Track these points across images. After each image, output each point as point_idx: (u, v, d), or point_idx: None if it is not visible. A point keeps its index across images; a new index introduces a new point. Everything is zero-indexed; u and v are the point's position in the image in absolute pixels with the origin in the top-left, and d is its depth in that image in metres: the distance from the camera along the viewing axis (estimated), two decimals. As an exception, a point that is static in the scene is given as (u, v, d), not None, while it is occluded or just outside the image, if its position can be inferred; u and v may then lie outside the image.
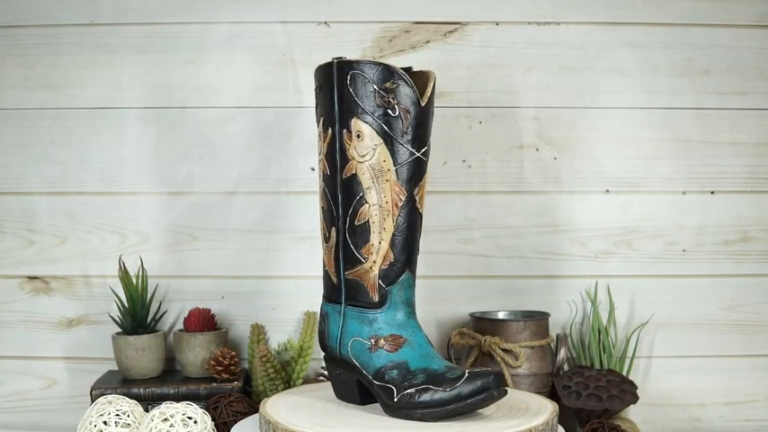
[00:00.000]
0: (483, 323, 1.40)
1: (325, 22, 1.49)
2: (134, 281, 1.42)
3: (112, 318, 1.43)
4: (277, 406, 1.14)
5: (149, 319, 1.43)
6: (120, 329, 1.43)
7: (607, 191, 1.51)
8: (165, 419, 1.08)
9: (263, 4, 1.49)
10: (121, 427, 1.11)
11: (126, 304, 1.42)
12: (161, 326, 1.49)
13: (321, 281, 1.49)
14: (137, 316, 1.42)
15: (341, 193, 1.11)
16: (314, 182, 1.49)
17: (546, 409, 1.10)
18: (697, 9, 1.49)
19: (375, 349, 1.10)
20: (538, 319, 1.39)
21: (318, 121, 1.14)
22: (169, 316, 1.50)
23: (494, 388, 1.03)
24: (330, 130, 1.11)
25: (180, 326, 1.48)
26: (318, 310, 1.47)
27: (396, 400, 1.06)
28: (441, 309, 1.49)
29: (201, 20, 1.49)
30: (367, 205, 1.09)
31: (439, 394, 1.04)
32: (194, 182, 1.50)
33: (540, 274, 1.51)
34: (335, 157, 1.11)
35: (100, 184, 1.50)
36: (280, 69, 1.50)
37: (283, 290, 1.50)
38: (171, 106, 1.50)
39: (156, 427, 1.07)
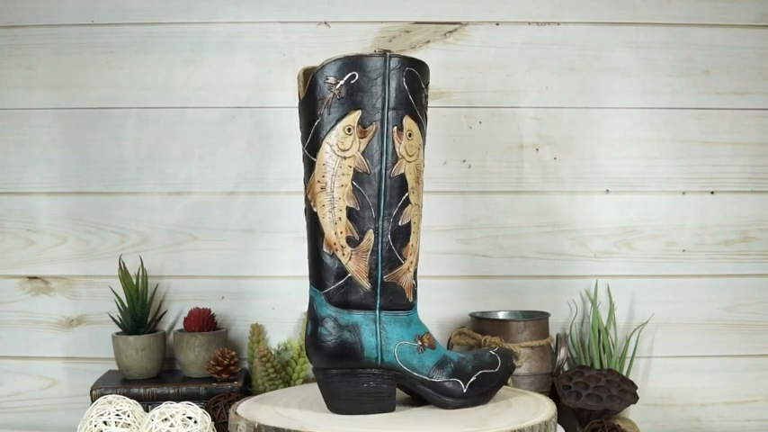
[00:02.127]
0: (483, 323, 1.40)
1: (325, 22, 1.49)
2: (134, 281, 1.42)
3: (112, 318, 1.43)
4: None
5: (149, 319, 1.43)
6: (120, 329, 1.43)
7: (607, 191, 1.51)
8: (165, 419, 1.08)
9: (263, 4, 1.49)
10: (121, 427, 1.11)
11: (126, 304, 1.42)
12: (161, 326, 1.49)
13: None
14: (137, 316, 1.42)
15: (385, 193, 1.07)
16: (314, 182, 1.49)
17: (545, 408, 1.10)
18: (697, 9, 1.49)
19: (423, 349, 1.10)
20: (538, 319, 1.39)
21: (345, 115, 1.05)
22: (169, 316, 1.50)
23: (511, 358, 1.17)
24: (373, 126, 1.05)
25: (180, 326, 1.48)
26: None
27: (466, 390, 1.10)
28: (441, 309, 1.49)
29: (201, 20, 1.49)
30: (410, 206, 1.08)
31: (493, 374, 1.13)
32: (194, 182, 1.50)
33: (540, 274, 1.51)
34: (378, 155, 1.06)
35: (100, 184, 1.50)
36: (280, 69, 1.50)
37: (283, 290, 1.50)
38: (171, 106, 1.50)
39: (156, 427, 1.07)
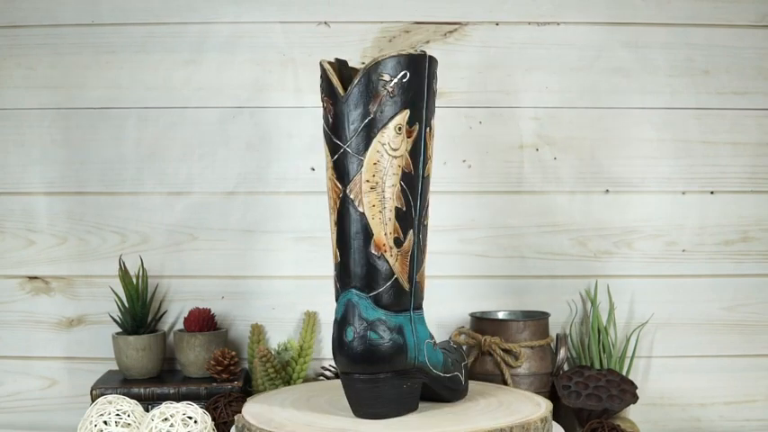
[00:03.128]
0: (483, 323, 1.40)
1: (325, 22, 1.49)
2: (134, 281, 1.42)
3: (112, 318, 1.43)
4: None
5: (149, 319, 1.43)
6: (120, 329, 1.43)
7: (607, 191, 1.51)
8: (165, 419, 1.08)
9: (263, 4, 1.49)
10: (122, 426, 1.11)
11: (126, 304, 1.42)
12: (161, 326, 1.49)
13: (320, 281, 1.49)
14: (137, 316, 1.42)
15: (420, 193, 1.07)
16: (314, 182, 1.49)
17: (540, 408, 1.10)
18: (697, 9, 1.49)
19: (435, 346, 1.11)
20: (538, 319, 1.39)
21: (396, 115, 1.04)
22: (169, 316, 1.50)
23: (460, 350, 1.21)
24: (417, 126, 1.05)
25: (180, 326, 1.48)
26: (313, 310, 1.49)
27: (464, 383, 1.16)
28: (441, 309, 1.49)
29: (201, 20, 1.49)
30: (428, 205, 1.10)
31: (466, 364, 1.19)
32: (194, 182, 1.50)
33: (540, 274, 1.51)
34: (419, 155, 1.06)
35: (100, 184, 1.50)
36: (280, 69, 1.50)
37: (283, 290, 1.50)
38: (171, 106, 1.50)
39: (156, 427, 1.07)
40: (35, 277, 1.51)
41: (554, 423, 1.15)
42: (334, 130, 1.05)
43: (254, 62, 1.49)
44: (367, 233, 1.04)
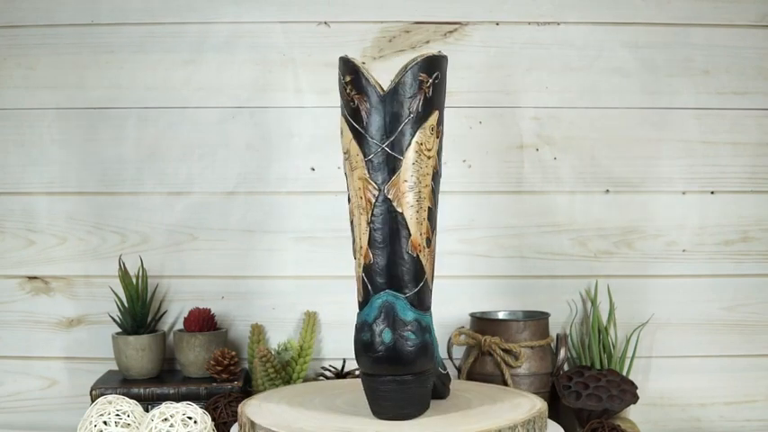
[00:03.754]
0: (483, 323, 1.40)
1: (325, 22, 1.49)
2: (134, 281, 1.42)
3: (112, 318, 1.43)
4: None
5: (149, 319, 1.43)
6: (120, 329, 1.43)
7: (607, 191, 1.51)
8: (165, 419, 1.08)
9: (263, 4, 1.49)
10: (121, 427, 1.11)
11: (126, 304, 1.42)
12: (161, 326, 1.49)
13: (321, 281, 1.49)
14: (137, 316, 1.42)
15: (438, 193, 1.09)
16: (314, 182, 1.49)
17: (534, 406, 1.10)
18: (697, 9, 1.49)
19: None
20: (538, 319, 1.39)
21: (429, 115, 1.04)
22: (169, 316, 1.50)
23: None
24: (441, 127, 1.06)
25: (180, 326, 1.48)
26: (313, 310, 1.49)
27: (451, 380, 1.17)
28: (441, 309, 1.48)
29: (201, 20, 1.49)
30: None
31: None
32: (194, 182, 1.50)
33: (540, 274, 1.51)
34: (441, 156, 1.07)
35: (100, 184, 1.50)
36: (280, 69, 1.50)
37: (283, 290, 1.50)
38: (171, 106, 1.50)
39: (156, 427, 1.07)
40: (35, 277, 1.51)
41: (554, 423, 1.15)
42: (369, 128, 1.03)
43: (254, 62, 1.49)
44: (405, 233, 1.03)
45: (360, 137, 1.03)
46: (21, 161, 1.50)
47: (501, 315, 1.46)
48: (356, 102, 1.03)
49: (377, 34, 1.49)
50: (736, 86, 1.50)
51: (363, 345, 1.03)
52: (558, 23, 1.50)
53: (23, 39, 1.49)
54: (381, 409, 1.05)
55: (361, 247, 1.05)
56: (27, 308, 1.50)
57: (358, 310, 1.05)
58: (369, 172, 1.03)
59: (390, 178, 1.03)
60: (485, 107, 1.50)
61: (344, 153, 1.06)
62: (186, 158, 1.50)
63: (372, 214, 1.04)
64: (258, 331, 1.46)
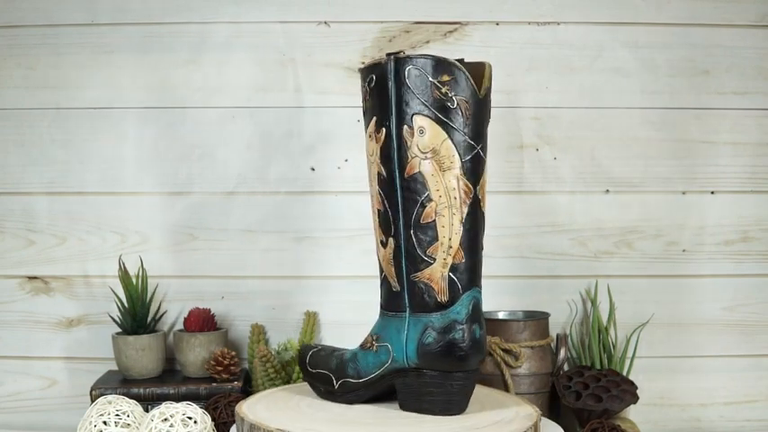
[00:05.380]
0: (483, 323, 1.40)
1: (325, 22, 1.49)
2: (134, 281, 1.42)
3: (112, 318, 1.43)
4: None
5: (149, 319, 1.43)
6: (120, 329, 1.43)
7: (607, 191, 1.51)
8: (165, 419, 1.08)
9: (263, 4, 1.49)
10: (121, 427, 1.11)
11: (126, 304, 1.42)
12: (161, 326, 1.49)
13: (321, 281, 1.50)
14: (137, 316, 1.42)
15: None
16: (314, 182, 1.49)
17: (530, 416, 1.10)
18: (697, 9, 1.49)
19: None
20: (538, 319, 1.39)
21: (372, 121, 1.07)
22: (169, 316, 1.50)
23: None
24: (384, 130, 1.06)
25: (180, 326, 1.48)
26: (313, 310, 1.49)
27: None
28: (441, 309, 1.49)
29: (201, 20, 1.49)
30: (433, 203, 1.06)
31: None
32: (194, 182, 1.50)
33: (540, 274, 1.51)
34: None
35: (100, 184, 1.50)
36: (280, 69, 1.50)
37: (283, 290, 1.50)
38: (171, 106, 1.50)
39: (156, 427, 1.07)
40: (35, 277, 1.51)
41: (554, 423, 1.15)
42: (467, 130, 1.05)
43: (254, 62, 1.49)
44: (483, 233, 1.08)
45: (457, 138, 1.04)
46: (21, 161, 1.50)
47: (501, 315, 1.46)
48: (456, 102, 1.04)
49: (377, 34, 1.49)
50: (736, 86, 1.50)
51: (452, 343, 1.04)
52: (558, 23, 1.50)
53: (23, 39, 1.49)
54: (440, 405, 1.06)
55: (450, 247, 1.05)
56: (27, 308, 1.51)
57: (435, 312, 1.05)
58: (465, 173, 1.04)
59: (479, 180, 1.05)
60: (485, 107, 1.50)
61: (426, 152, 1.04)
62: (186, 158, 1.50)
63: (467, 214, 1.05)
64: (258, 331, 1.46)
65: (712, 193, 1.51)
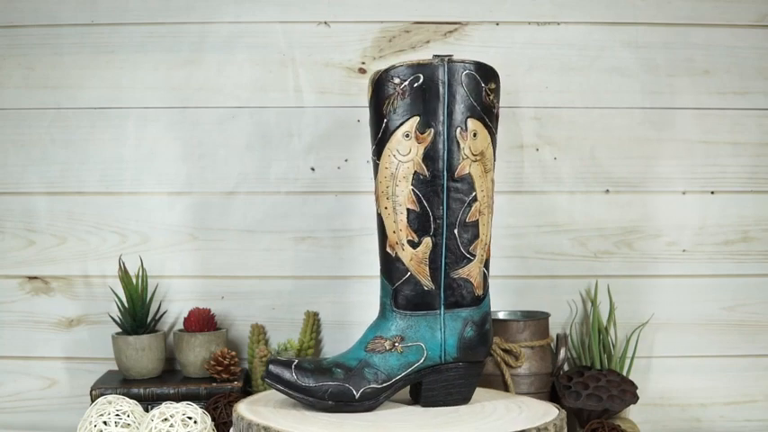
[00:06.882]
0: (483, 323, 1.40)
1: (325, 22, 1.49)
2: (134, 281, 1.42)
3: (112, 318, 1.43)
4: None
5: (149, 319, 1.43)
6: (120, 329, 1.43)
7: (607, 191, 1.51)
8: (165, 419, 1.08)
9: (263, 4, 1.49)
10: (121, 427, 1.11)
11: (126, 304, 1.42)
12: (161, 326, 1.49)
13: (321, 281, 1.50)
14: (137, 316, 1.42)
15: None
16: (314, 182, 1.49)
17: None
18: (697, 9, 1.49)
19: None
20: (538, 319, 1.39)
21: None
22: (169, 316, 1.50)
23: None
24: (431, 130, 1.09)
25: (180, 326, 1.48)
26: (313, 310, 1.49)
27: None
28: (441, 309, 1.49)
29: (201, 20, 1.49)
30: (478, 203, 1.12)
31: None
32: (194, 182, 1.50)
33: (540, 274, 1.51)
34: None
35: (100, 184, 1.50)
36: (280, 69, 1.50)
37: (283, 290, 1.50)
38: (171, 106, 1.50)
39: (156, 427, 1.07)
40: (35, 277, 1.51)
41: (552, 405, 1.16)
42: (493, 137, 1.13)
43: (254, 62, 1.49)
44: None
45: (495, 142, 1.13)
46: (21, 161, 1.50)
47: (501, 315, 1.46)
48: (497, 109, 1.12)
49: (377, 34, 1.49)
50: (736, 86, 1.50)
51: (487, 334, 1.14)
52: (558, 23, 1.50)
53: (23, 39, 1.49)
54: (455, 396, 1.13)
55: (486, 244, 1.13)
56: (27, 308, 1.51)
57: (472, 306, 1.12)
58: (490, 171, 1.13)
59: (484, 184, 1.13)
60: (485, 107, 1.50)
61: (477, 154, 1.10)
62: (186, 158, 1.50)
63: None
64: (258, 331, 1.46)
65: (712, 193, 1.51)
